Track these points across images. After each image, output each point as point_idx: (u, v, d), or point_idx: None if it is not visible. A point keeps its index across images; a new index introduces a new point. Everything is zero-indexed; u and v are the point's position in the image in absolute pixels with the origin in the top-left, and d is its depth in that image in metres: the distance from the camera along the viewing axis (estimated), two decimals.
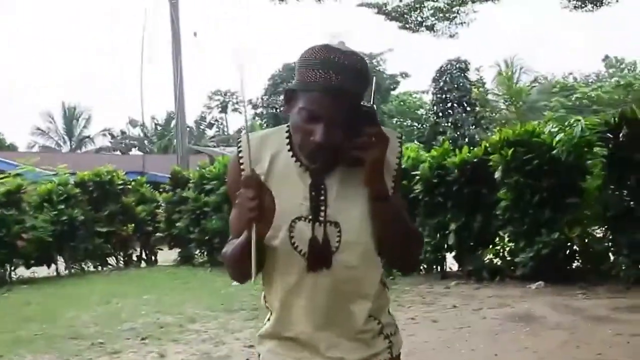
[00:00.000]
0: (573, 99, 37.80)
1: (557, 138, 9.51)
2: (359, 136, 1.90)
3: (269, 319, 2.18)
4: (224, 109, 58.88)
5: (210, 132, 57.93)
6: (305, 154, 1.97)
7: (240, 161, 2.07)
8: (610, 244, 9.72)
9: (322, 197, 2.02)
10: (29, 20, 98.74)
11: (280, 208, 1.90)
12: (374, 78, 2.07)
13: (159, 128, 52.99)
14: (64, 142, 53.99)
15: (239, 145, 2.11)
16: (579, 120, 9.75)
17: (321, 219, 2.01)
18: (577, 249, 9.82)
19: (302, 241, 2.01)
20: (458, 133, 37.51)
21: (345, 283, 2.04)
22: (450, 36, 13.34)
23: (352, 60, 1.90)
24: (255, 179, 1.84)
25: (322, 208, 2.01)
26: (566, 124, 9.97)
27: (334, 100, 1.89)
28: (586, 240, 9.74)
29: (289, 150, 2.06)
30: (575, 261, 9.99)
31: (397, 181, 2.09)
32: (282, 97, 2.07)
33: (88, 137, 54.72)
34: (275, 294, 2.12)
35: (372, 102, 2.02)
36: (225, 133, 55.90)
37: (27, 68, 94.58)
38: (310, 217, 2.01)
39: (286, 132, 2.08)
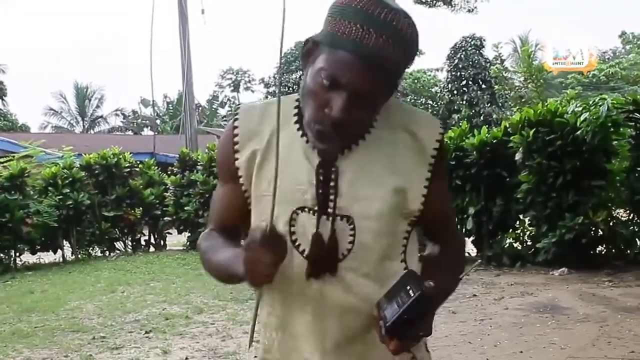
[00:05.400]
0: (590, 75, 37.26)
1: (582, 118, 9.05)
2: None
3: (265, 343, 1.74)
4: (236, 88, 58.55)
5: (222, 111, 57.58)
6: (313, 129, 1.51)
7: (235, 137, 1.64)
8: (637, 228, 9.36)
9: (332, 183, 1.56)
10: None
11: (280, 194, 1.46)
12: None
13: (170, 107, 52.63)
14: (76, 122, 53.88)
15: (237, 115, 1.66)
16: (605, 99, 9.31)
17: (330, 210, 1.56)
18: (602, 233, 9.39)
19: (305, 238, 1.57)
20: (473, 111, 37.10)
21: (360, 298, 1.58)
22: (469, 11, 12.84)
23: (402, 23, 1.42)
24: (277, 239, 1.41)
25: (332, 197, 1.55)
26: (591, 102, 9.51)
27: (366, 68, 1.42)
28: (612, 225, 9.33)
29: (295, 122, 1.60)
30: (600, 246, 9.58)
31: (437, 171, 1.62)
32: (297, 68, 1.50)
33: (101, 116, 54.60)
34: (272, 306, 1.68)
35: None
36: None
37: (39, 46, 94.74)
38: (315, 207, 1.56)
39: (295, 100, 1.62)
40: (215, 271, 1.71)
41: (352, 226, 1.56)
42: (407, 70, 1.53)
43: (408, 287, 1.42)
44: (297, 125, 1.60)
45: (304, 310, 1.62)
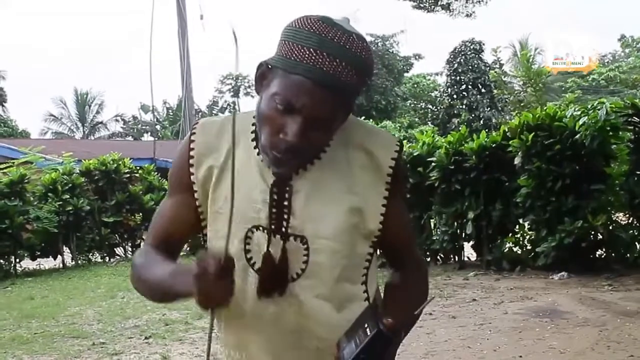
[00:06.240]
0: (589, 79, 37.30)
1: (581, 122, 9.03)
2: None
3: None
4: (235, 93, 58.46)
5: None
6: (268, 154, 1.49)
7: (191, 151, 1.62)
8: (636, 232, 9.34)
9: (286, 202, 1.55)
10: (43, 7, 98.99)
11: (235, 212, 1.44)
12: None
13: (170, 113, 52.60)
14: (76, 128, 53.79)
15: (194, 129, 1.64)
16: (603, 103, 9.31)
17: (284, 230, 1.55)
18: (602, 237, 9.34)
19: (260, 257, 1.57)
20: (473, 115, 37.09)
21: (314, 319, 1.58)
22: (467, 15, 12.84)
23: (356, 45, 1.42)
24: (231, 265, 1.39)
25: (285, 216, 1.55)
26: (589, 106, 9.51)
27: (321, 91, 1.41)
28: (611, 229, 9.29)
29: (252, 140, 1.58)
30: (600, 250, 9.56)
31: (394, 190, 1.60)
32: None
33: (101, 122, 54.54)
34: (229, 325, 1.67)
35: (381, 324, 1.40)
36: None
37: (42, 52, 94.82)
38: (269, 226, 1.56)
39: (253, 117, 1.59)
40: (148, 288, 1.68)
41: (305, 246, 1.55)
42: (363, 90, 1.53)
43: (366, 325, 1.40)
44: (254, 143, 1.58)
45: (259, 329, 1.61)
